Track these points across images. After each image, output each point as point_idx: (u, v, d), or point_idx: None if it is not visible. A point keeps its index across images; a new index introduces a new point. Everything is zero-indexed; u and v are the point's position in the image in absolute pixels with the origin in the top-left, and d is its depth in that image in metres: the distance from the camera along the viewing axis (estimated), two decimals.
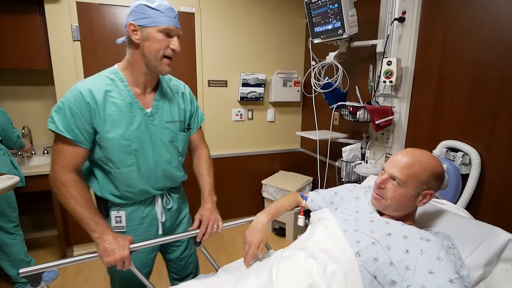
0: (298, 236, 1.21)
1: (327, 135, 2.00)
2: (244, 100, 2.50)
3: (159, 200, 1.14)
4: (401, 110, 1.68)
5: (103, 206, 1.09)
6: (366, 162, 1.81)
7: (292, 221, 2.49)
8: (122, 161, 1.02)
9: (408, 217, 0.94)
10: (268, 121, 2.69)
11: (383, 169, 0.95)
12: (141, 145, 1.04)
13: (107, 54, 2.14)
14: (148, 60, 0.99)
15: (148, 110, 1.06)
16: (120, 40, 1.06)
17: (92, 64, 2.12)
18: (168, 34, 0.97)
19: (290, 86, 2.57)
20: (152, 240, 1.06)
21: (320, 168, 2.57)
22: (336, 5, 1.63)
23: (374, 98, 1.80)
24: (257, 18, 2.47)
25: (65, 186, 0.95)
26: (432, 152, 1.48)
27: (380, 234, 0.86)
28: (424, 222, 1.04)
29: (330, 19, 1.71)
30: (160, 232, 1.16)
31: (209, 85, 2.43)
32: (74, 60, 2.07)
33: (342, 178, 1.96)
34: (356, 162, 1.84)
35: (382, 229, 0.87)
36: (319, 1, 1.73)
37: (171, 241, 1.17)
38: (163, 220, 1.16)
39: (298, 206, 1.26)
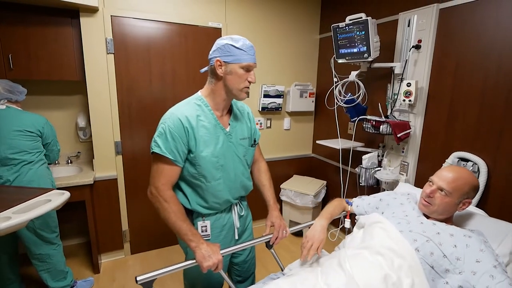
0: (346, 236, 1.42)
1: (348, 144, 2.23)
2: (265, 110, 2.67)
3: (235, 208, 1.30)
4: (415, 124, 1.94)
5: (189, 218, 1.22)
6: (385, 169, 2.06)
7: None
8: (213, 176, 1.16)
9: (449, 219, 1.19)
10: (284, 129, 2.88)
11: (430, 181, 1.19)
12: (225, 161, 1.19)
13: (139, 66, 2.21)
14: (229, 90, 1.14)
15: (227, 130, 1.21)
16: (203, 70, 1.19)
17: (124, 76, 2.18)
18: (247, 69, 1.12)
19: (306, 97, 2.78)
20: (240, 244, 1.21)
21: (333, 172, 2.82)
22: (363, 32, 1.85)
23: (391, 113, 2.05)
24: (276, 33, 2.65)
25: (167, 202, 1.08)
26: (445, 161, 1.75)
27: (431, 233, 1.08)
28: (456, 221, 1.29)
29: (356, 44, 1.93)
30: (236, 237, 1.32)
31: None
32: (107, 72, 2.13)
33: (361, 183, 2.20)
34: (376, 169, 2.09)
35: (432, 229, 1.10)
36: (347, 27, 1.95)
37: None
38: (238, 226, 1.32)
39: (343, 211, 1.47)
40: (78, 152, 2.44)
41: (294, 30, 2.72)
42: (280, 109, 2.75)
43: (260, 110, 2.66)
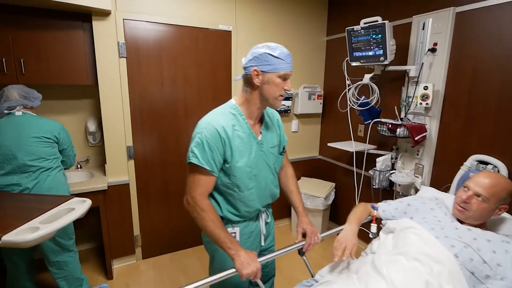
0: (372, 241, 1.42)
1: (361, 147, 2.24)
2: None
3: (263, 215, 1.29)
4: (431, 127, 1.95)
5: None
6: (400, 172, 2.07)
7: (319, 224, 2.71)
8: (246, 186, 1.15)
9: (483, 224, 1.19)
10: (292, 132, 2.88)
11: (465, 187, 1.19)
12: (258, 170, 1.18)
13: (151, 70, 2.19)
14: (265, 99, 1.12)
15: (259, 138, 1.20)
16: (237, 78, 1.18)
17: (137, 80, 2.16)
18: (284, 78, 1.11)
19: (314, 99, 2.78)
20: (276, 252, 1.21)
21: (342, 174, 2.83)
22: (380, 35, 1.86)
23: (405, 116, 2.06)
24: (284, 35, 2.64)
25: (204, 211, 1.07)
26: (463, 164, 1.77)
27: (468, 239, 1.09)
28: (488, 225, 1.30)
29: (372, 47, 1.93)
30: (262, 243, 1.31)
31: None
32: (119, 77, 2.10)
33: (374, 185, 2.21)
34: (391, 172, 2.09)
35: (468, 235, 1.10)
36: (362, 30, 1.95)
37: (266, 250, 1.33)
38: (265, 232, 1.31)
39: (369, 216, 1.47)
40: (88, 157, 2.40)
41: (301, 32, 2.71)
42: (289, 111, 2.75)
43: None
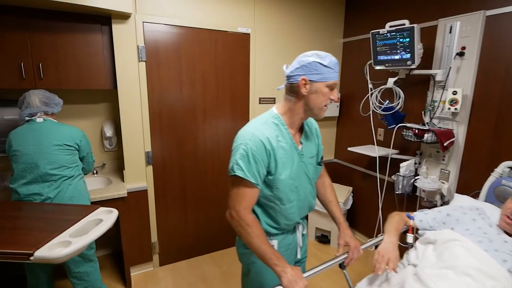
0: (407, 251, 1.39)
1: (384, 152, 2.20)
2: None
3: (300, 227, 1.25)
4: (458, 132, 1.92)
5: None
6: (425, 177, 2.04)
7: (336, 229, 2.67)
8: (288, 198, 1.11)
9: None
10: None
11: None
12: (299, 182, 1.14)
13: (170, 74, 2.14)
14: (310, 109, 1.08)
15: (300, 148, 1.15)
16: (280, 87, 1.13)
17: (156, 84, 2.11)
18: (332, 87, 1.07)
19: (331, 102, 2.73)
20: (320, 266, 1.16)
21: (359, 178, 2.79)
22: (408, 39, 1.82)
23: (430, 121, 2.03)
24: (301, 37, 2.60)
25: (249, 226, 1.03)
26: (494, 170, 1.73)
27: None
28: None
29: (399, 51, 1.90)
30: (298, 256, 1.27)
31: (259, 103, 2.52)
32: (138, 81, 2.05)
33: (397, 191, 2.17)
34: (416, 177, 2.06)
35: None
36: (388, 34, 1.91)
37: (300, 262, 1.30)
38: (301, 245, 1.27)
39: (405, 225, 1.43)
40: (104, 162, 2.36)
41: (318, 34, 2.67)
42: None
43: None
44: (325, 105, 1.09)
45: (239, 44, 2.33)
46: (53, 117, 1.71)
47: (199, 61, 2.22)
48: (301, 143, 1.17)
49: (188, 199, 2.40)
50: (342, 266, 1.24)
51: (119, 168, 2.41)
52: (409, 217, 1.44)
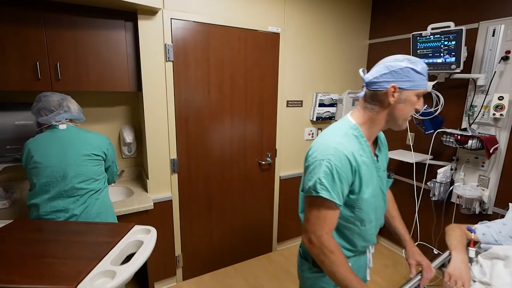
0: (471, 267, 1.31)
1: (421, 157, 2.14)
2: (319, 120, 2.52)
3: (370, 247, 1.15)
4: (500, 138, 1.88)
5: None
6: (465, 184, 1.99)
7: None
8: (369, 219, 1.01)
9: None
10: None
11: None
12: (378, 199, 1.03)
13: (198, 75, 1.99)
14: (394, 120, 0.97)
15: (377, 162, 1.05)
16: (361, 94, 1.02)
17: (183, 86, 1.95)
18: (420, 96, 0.96)
19: (357, 105, 2.65)
20: None
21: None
22: (453, 42, 1.75)
23: (470, 126, 1.98)
24: (328, 38, 2.50)
25: (333, 253, 0.91)
26: None
27: None
28: None
29: (442, 54, 1.83)
30: (368, 278, 1.17)
31: (287, 106, 2.40)
32: (165, 82, 1.89)
33: (433, 198, 2.12)
34: (455, 184, 2.01)
35: None
36: (431, 36, 1.84)
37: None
38: (371, 265, 1.17)
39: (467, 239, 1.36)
40: (122, 171, 2.17)
41: (344, 35, 2.58)
42: (333, 118, 2.62)
43: (315, 120, 2.51)
44: (410, 116, 0.99)
45: (269, 44, 2.20)
46: (73, 123, 1.52)
47: (228, 61, 2.08)
48: (376, 155, 1.06)
49: (213, 208, 2.25)
50: None
51: (138, 176, 2.23)
52: (470, 230, 1.37)
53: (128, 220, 1.79)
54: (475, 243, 1.37)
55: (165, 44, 1.83)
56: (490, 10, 1.87)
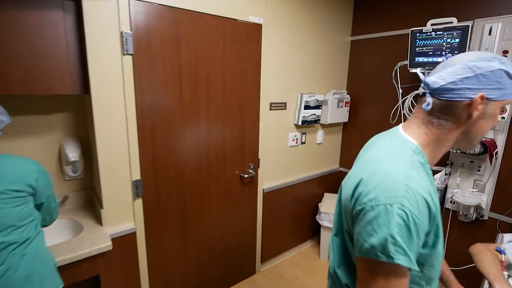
0: None
1: None
2: (305, 123, 2.26)
3: None
4: (497, 141, 1.80)
5: None
6: (462, 190, 1.88)
7: None
8: (436, 276, 0.74)
9: None
10: (317, 143, 2.52)
11: None
12: None
13: (166, 72, 1.57)
14: (469, 140, 0.72)
15: None
16: (428, 106, 0.72)
17: (147, 87, 1.52)
18: (504, 108, 0.73)
19: (342, 106, 2.46)
20: None
21: None
22: (457, 39, 1.61)
23: None
24: (311, 33, 2.25)
25: None
26: None
27: None
28: None
29: (444, 52, 1.68)
30: None
31: (270, 109, 2.09)
32: (122, 82, 1.44)
33: None
34: (454, 190, 1.89)
35: None
36: (432, 33, 1.67)
37: None
38: None
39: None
40: (65, 197, 1.66)
41: (327, 29, 2.35)
42: (319, 121, 2.38)
43: (300, 124, 2.24)
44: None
45: (250, 37, 1.87)
46: None
47: (204, 56, 1.69)
48: None
49: (189, 234, 1.86)
50: None
51: (88, 202, 1.74)
52: (499, 251, 1.21)
53: (78, 270, 1.32)
54: (507, 265, 1.21)
55: (122, 32, 1.39)
56: (486, 7, 1.78)
